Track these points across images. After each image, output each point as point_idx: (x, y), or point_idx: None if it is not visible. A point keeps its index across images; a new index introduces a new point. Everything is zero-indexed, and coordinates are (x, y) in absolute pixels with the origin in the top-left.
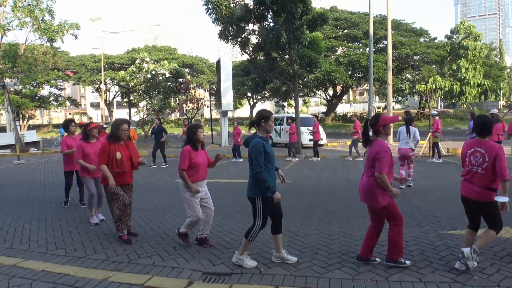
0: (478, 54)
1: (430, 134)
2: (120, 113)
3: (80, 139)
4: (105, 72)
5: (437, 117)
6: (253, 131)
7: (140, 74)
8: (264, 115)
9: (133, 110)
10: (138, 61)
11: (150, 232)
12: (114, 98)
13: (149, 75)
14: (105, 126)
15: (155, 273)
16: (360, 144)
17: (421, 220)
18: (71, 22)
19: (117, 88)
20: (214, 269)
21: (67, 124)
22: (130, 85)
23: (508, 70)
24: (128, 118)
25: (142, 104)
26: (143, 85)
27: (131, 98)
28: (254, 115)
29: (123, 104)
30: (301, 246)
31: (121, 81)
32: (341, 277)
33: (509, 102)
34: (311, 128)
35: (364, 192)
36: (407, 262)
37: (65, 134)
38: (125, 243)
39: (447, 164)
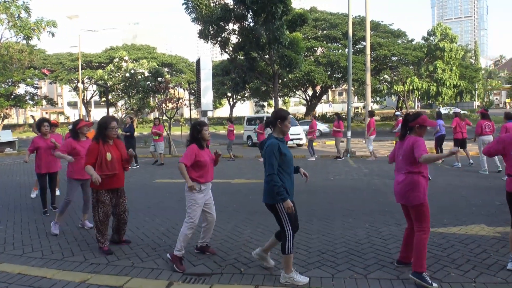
0: (454, 56)
1: (395, 134)
2: (98, 113)
3: (69, 137)
4: (83, 70)
5: (401, 118)
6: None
7: (119, 73)
8: (280, 115)
9: (111, 109)
10: (116, 60)
11: (129, 233)
12: (92, 97)
13: (127, 74)
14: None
15: (134, 275)
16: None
17: (400, 219)
18: (48, 20)
19: (95, 87)
20: (194, 269)
21: (39, 124)
22: (108, 84)
23: (483, 72)
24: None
25: (120, 103)
26: (121, 84)
27: (109, 97)
28: (233, 114)
29: (101, 103)
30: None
31: (99, 80)
32: (320, 276)
33: (484, 103)
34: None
35: (401, 190)
36: (434, 285)
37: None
38: (107, 254)
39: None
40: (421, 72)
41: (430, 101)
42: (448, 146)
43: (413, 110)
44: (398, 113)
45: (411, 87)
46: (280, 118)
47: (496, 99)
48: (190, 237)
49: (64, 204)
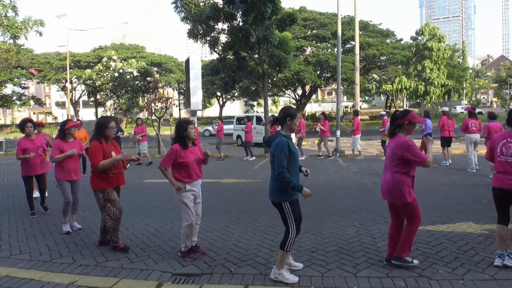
0: (442, 55)
1: (381, 133)
2: (87, 113)
3: (57, 138)
4: (71, 70)
5: (386, 117)
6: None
7: (107, 73)
8: (290, 113)
9: (100, 109)
10: (105, 59)
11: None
12: (80, 97)
13: (116, 74)
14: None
15: (123, 276)
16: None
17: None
18: (36, 19)
19: (83, 87)
20: (183, 270)
21: (23, 125)
22: (97, 84)
23: (471, 71)
24: (95, 117)
25: (109, 103)
26: (110, 84)
27: (98, 97)
28: (222, 114)
29: (90, 103)
30: (270, 244)
31: (88, 79)
32: (310, 275)
33: (471, 102)
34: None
35: (388, 189)
36: (415, 261)
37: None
38: (124, 251)
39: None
40: (409, 72)
41: (418, 100)
42: (434, 145)
43: (401, 109)
44: (383, 112)
45: (400, 86)
46: (290, 116)
47: (484, 98)
48: (190, 234)
49: (64, 206)
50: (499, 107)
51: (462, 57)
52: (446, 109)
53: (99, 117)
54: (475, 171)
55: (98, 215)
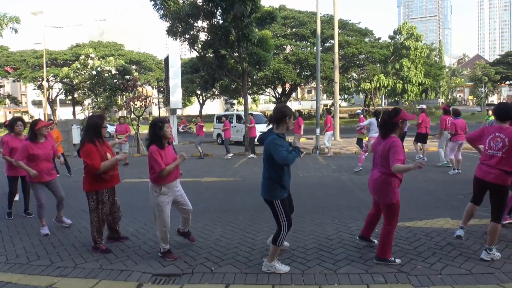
0: (419, 54)
1: (357, 131)
2: (64, 112)
3: (26, 139)
4: (48, 68)
5: (362, 116)
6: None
7: (85, 71)
8: (288, 113)
9: (78, 108)
10: (82, 57)
11: None
12: (57, 95)
13: (94, 72)
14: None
15: (103, 277)
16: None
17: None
18: (11, 15)
19: (60, 85)
20: (164, 270)
21: (13, 123)
22: (74, 82)
23: (447, 70)
24: (72, 116)
25: (87, 102)
26: (88, 82)
27: (76, 95)
28: (202, 112)
29: (67, 102)
30: (251, 243)
31: (65, 78)
32: (291, 272)
33: (448, 100)
34: (262, 125)
35: (375, 187)
36: (397, 260)
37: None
38: (106, 253)
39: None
40: (387, 70)
41: (396, 98)
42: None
43: (380, 107)
44: (359, 111)
45: (378, 85)
46: (289, 115)
47: (460, 96)
48: (168, 235)
49: (38, 210)
50: (475, 105)
51: (439, 56)
52: (424, 106)
53: (89, 117)
54: (445, 162)
55: (77, 216)
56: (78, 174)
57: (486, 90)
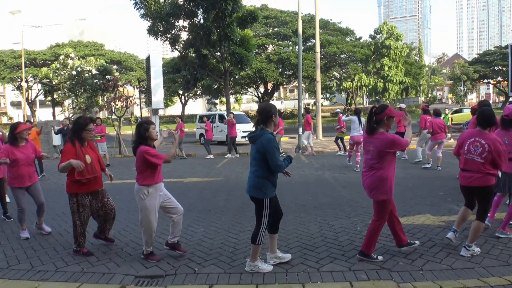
0: (399, 53)
1: (337, 130)
2: (44, 113)
3: (6, 143)
4: (27, 68)
5: (341, 114)
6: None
7: (65, 71)
8: (273, 111)
9: (58, 109)
10: (62, 57)
11: None
12: (36, 96)
13: (74, 72)
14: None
15: (85, 280)
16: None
17: (350, 212)
18: None
19: (39, 86)
20: (146, 272)
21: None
22: (54, 83)
23: (427, 69)
24: (52, 117)
25: (67, 102)
26: (67, 83)
27: (55, 96)
28: (185, 112)
29: (47, 103)
30: (235, 243)
31: (44, 78)
32: (274, 271)
33: (428, 98)
34: (245, 125)
35: (370, 185)
36: (379, 257)
37: None
38: (87, 256)
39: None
40: (368, 69)
41: (377, 97)
42: None
43: (361, 106)
44: (338, 110)
45: (359, 84)
46: (274, 114)
47: (439, 94)
48: (152, 239)
49: (19, 214)
50: (454, 103)
51: (418, 55)
52: (403, 106)
53: (77, 117)
54: (420, 159)
55: (58, 219)
56: (57, 176)
57: (465, 88)
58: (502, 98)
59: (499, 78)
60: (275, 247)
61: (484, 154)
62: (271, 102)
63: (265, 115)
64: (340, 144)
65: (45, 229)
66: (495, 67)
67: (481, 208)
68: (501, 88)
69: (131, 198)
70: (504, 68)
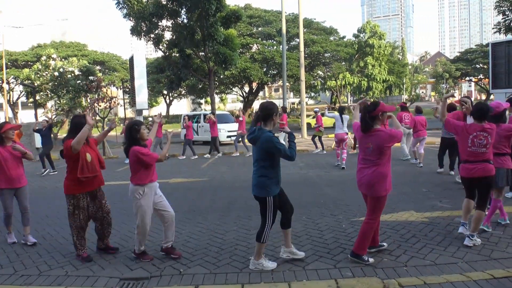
0: (383, 52)
1: (315, 129)
2: (26, 114)
3: None
4: (8, 70)
5: (320, 114)
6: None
7: (47, 72)
8: (275, 110)
9: (40, 110)
10: (44, 58)
11: (62, 241)
12: (18, 98)
13: (56, 73)
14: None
15: (69, 284)
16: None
17: (334, 209)
18: None
19: (21, 87)
20: (131, 274)
21: None
22: (36, 84)
23: (410, 67)
24: (35, 119)
25: (50, 104)
26: (50, 84)
27: (38, 98)
28: (169, 112)
29: (29, 104)
30: (220, 243)
31: (26, 79)
32: (260, 271)
33: (411, 96)
34: (229, 125)
35: (369, 181)
36: (370, 260)
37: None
38: (87, 261)
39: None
40: (352, 68)
41: (361, 96)
42: None
43: (346, 104)
44: (317, 109)
45: (344, 82)
46: (275, 112)
47: (422, 92)
48: (145, 239)
49: (5, 219)
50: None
51: (401, 53)
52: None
53: (73, 116)
54: (409, 157)
55: (41, 222)
56: (39, 180)
57: (447, 86)
58: (483, 96)
59: (481, 76)
60: (290, 242)
61: (488, 145)
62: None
63: (266, 113)
64: (318, 142)
65: (29, 240)
66: (477, 65)
67: (481, 198)
68: (482, 85)
69: (116, 200)
70: (485, 66)
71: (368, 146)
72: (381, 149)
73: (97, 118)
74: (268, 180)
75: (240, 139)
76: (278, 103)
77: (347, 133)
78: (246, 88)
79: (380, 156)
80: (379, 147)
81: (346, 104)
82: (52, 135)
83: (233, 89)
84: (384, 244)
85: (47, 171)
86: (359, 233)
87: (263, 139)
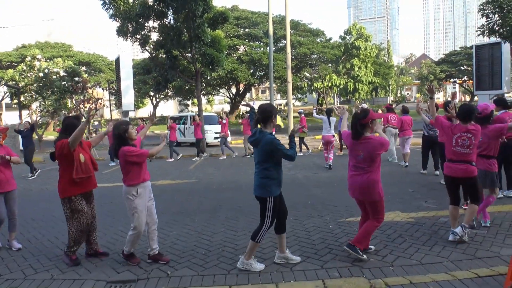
0: (369, 54)
1: (298, 130)
2: (11, 116)
3: None
4: None
5: (303, 115)
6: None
7: (31, 73)
8: (274, 112)
9: (25, 112)
10: (29, 58)
11: (48, 244)
12: (2, 99)
13: (41, 74)
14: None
15: (55, 287)
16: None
17: (321, 210)
18: None
19: (5, 88)
20: (118, 277)
21: None
22: (20, 85)
23: (395, 69)
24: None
25: (34, 105)
26: (35, 85)
27: (22, 99)
28: (156, 114)
29: (13, 106)
30: (208, 245)
31: (10, 80)
32: (247, 272)
33: (396, 98)
34: (216, 126)
35: (362, 188)
36: (365, 256)
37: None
38: (74, 264)
39: (344, 157)
40: (339, 70)
41: (348, 97)
42: None
43: (332, 105)
44: (301, 110)
45: (330, 84)
46: (275, 114)
47: (408, 94)
48: (138, 241)
49: None
50: (422, 102)
51: (387, 55)
52: (365, 105)
53: (65, 117)
54: (396, 161)
55: (26, 226)
56: (25, 182)
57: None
58: (468, 97)
59: (465, 78)
60: (284, 247)
61: (471, 146)
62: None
63: (265, 115)
64: (303, 144)
65: (14, 246)
66: (461, 67)
67: (472, 194)
68: (466, 87)
69: (103, 202)
70: (469, 68)
71: (359, 154)
72: (372, 157)
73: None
74: (270, 181)
75: (224, 141)
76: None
77: (333, 135)
78: (233, 90)
79: (371, 164)
80: (370, 154)
81: (332, 106)
82: (37, 136)
83: (220, 90)
84: (372, 247)
85: (38, 172)
86: (362, 229)
87: (264, 141)
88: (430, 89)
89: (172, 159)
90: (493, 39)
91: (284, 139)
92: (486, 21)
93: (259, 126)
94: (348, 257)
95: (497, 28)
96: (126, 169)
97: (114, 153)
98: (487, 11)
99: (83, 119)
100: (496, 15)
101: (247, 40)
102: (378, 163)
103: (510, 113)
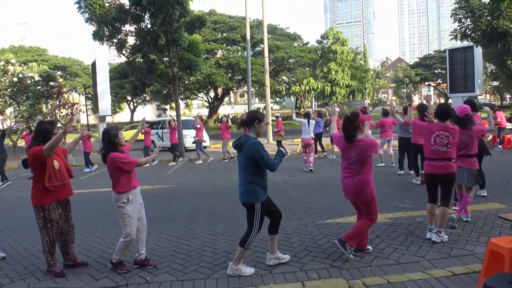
0: (345, 58)
1: (275, 133)
2: None
3: None
4: None
5: (280, 119)
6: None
7: (5, 78)
8: (258, 117)
9: None
10: (2, 63)
11: (24, 253)
12: None
13: (15, 79)
14: None
15: None
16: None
17: (300, 213)
18: None
19: None
20: (96, 284)
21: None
22: None
23: (372, 72)
24: None
25: (8, 111)
26: (8, 90)
27: None
28: (134, 119)
29: None
30: (187, 249)
31: None
32: (227, 276)
33: (373, 101)
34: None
35: (355, 190)
36: (351, 256)
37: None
38: (60, 277)
39: (322, 159)
40: (316, 73)
41: (325, 100)
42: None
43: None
44: (278, 114)
45: (308, 88)
46: (258, 119)
47: (384, 97)
48: (129, 248)
49: None
50: (398, 105)
51: (363, 59)
52: (338, 109)
53: (38, 122)
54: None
55: (2, 234)
56: None
57: (408, 90)
58: (442, 99)
59: (439, 81)
60: (275, 248)
61: (449, 145)
62: (221, 107)
63: (249, 118)
64: (281, 147)
65: None
66: (435, 70)
67: (444, 195)
68: (441, 90)
69: (78, 209)
70: (443, 71)
71: (350, 156)
72: (364, 159)
73: (58, 125)
74: (255, 186)
75: (199, 145)
76: (244, 108)
77: (313, 138)
78: (212, 94)
79: (363, 165)
80: (361, 156)
81: (310, 109)
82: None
83: (199, 94)
84: (370, 247)
85: (8, 182)
86: (354, 226)
87: (248, 145)
88: (409, 96)
89: (148, 164)
90: (466, 43)
91: (267, 145)
92: (458, 26)
93: (245, 129)
94: (327, 259)
95: (469, 33)
96: (115, 176)
97: (103, 158)
98: (460, 16)
99: (59, 124)
100: (468, 20)
101: (225, 44)
102: (370, 164)
103: (478, 116)
